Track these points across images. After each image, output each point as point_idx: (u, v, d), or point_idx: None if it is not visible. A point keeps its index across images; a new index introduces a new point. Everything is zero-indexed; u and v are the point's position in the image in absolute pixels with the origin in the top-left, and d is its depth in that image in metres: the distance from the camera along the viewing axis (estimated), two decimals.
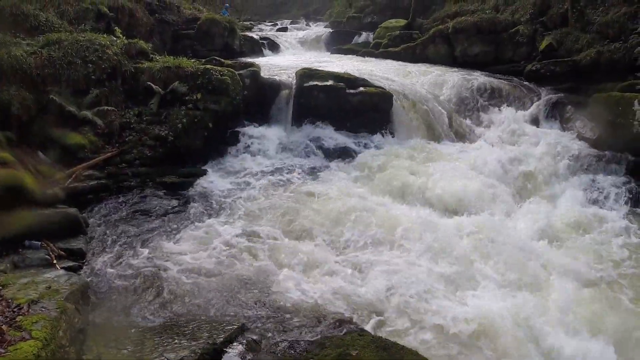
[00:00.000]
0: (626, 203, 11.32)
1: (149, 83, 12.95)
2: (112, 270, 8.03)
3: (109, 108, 12.07)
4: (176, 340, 6.28)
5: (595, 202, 11.45)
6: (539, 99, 15.95)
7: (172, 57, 14.39)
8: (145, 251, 8.58)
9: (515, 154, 13.06)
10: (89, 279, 7.68)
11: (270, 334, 6.66)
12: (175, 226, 9.61)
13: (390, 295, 7.63)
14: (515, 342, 6.73)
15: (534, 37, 19.26)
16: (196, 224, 9.69)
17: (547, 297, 7.90)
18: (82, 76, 11.92)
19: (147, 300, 7.34)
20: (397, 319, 7.24)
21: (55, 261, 7.60)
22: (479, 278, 8.21)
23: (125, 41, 13.92)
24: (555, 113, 15.16)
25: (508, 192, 11.62)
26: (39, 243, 7.88)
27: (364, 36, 29.45)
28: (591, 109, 13.95)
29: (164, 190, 11.02)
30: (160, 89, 12.90)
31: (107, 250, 8.60)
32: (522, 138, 14.02)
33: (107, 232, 9.17)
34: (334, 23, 36.36)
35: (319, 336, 6.59)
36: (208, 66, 13.97)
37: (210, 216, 10.06)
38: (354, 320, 7.12)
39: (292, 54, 26.93)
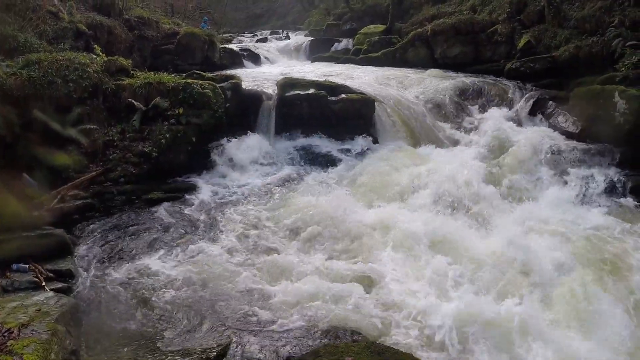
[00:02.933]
0: (611, 194, 11.41)
1: (131, 100, 12.92)
2: (101, 290, 8.01)
3: (92, 126, 12.04)
4: (169, 357, 6.29)
5: (579, 195, 11.50)
6: (520, 96, 16.03)
7: (152, 72, 14.42)
8: (134, 269, 8.56)
9: (496, 154, 13.13)
10: (79, 299, 7.65)
11: (263, 346, 6.67)
12: (161, 242, 9.57)
13: None
14: None
15: (512, 36, 19.41)
16: (182, 239, 9.68)
17: None
18: (63, 95, 11.86)
19: (138, 318, 7.33)
20: None
21: (44, 283, 7.57)
22: None
23: (105, 58, 13.91)
24: (536, 109, 15.19)
25: (492, 193, 11.66)
26: (27, 266, 7.85)
27: (343, 43, 29.49)
28: (572, 103, 14.03)
29: (150, 207, 10.98)
30: (142, 106, 12.89)
31: (95, 270, 8.54)
32: (504, 136, 14.04)
33: (95, 251, 9.13)
34: (313, 32, 36.47)
35: (314, 343, 6.62)
36: (189, 80, 13.98)
37: (195, 231, 10.05)
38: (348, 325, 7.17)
39: (273, 64, 26.95)
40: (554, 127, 14.08)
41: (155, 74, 14.09)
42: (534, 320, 7.13)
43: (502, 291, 7.96)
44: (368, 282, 8.27)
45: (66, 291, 7.65)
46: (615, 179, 11.59)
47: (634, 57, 13.44)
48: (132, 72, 14.41)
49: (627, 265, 8.55)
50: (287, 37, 31.64)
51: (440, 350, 6.80)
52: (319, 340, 6.79)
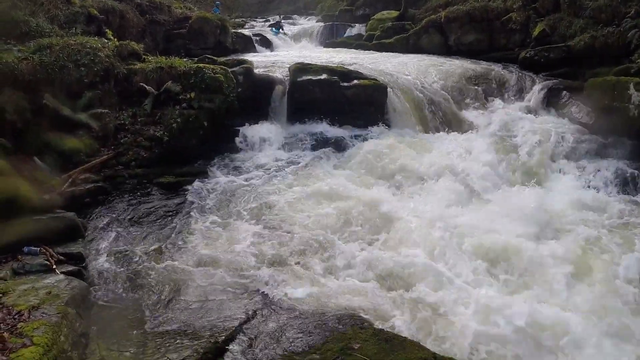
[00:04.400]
0: (624, 187, 11.32)
1: (142, 84, 12.93)
2: (112, 272, 8.04)
3: (103, 110, 12.03)
4: (178, 340, 6.31)
5: (593, 187, 11.43)
6: (534, 85, 15.90)
7: (164, 57, 14.39)
8: (145, 252, 8.59)
9: (510, 142, 13.07)
10: (89, 282, 7.68)
11: (272, 331, 6.67)
12: (173, 226, 9.59)
13: None
14: None
15: (527, 24, 19.26)
16: (194, 223, 9.68)
17: None
18: (74, 80, 11.87)
19: (147, 301, 7.34)
20: None
21: (54, 266, 7.56)
22: None
23: (117, 43, 13.90)
24: (550, 99, 15.12)
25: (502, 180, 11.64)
26: (38, 249, 7.85)
27: (356, 29, 29.38)
28: (586, 94, 13.92)
29: (161, 191, 11.00)
30: (153, 90, 12.88)
31: (106, 253, 8.57)
32: (517, 125, 13.95)
33: (106, 234, 9.16)
34: (325, 17, 36.28)
35: (321, 330, 6.61)
36: (201, 65, 13.92)
37: (207, 215, 10.02)
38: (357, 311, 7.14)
39: (285, 49, 26.86)
40: (567, 118, 14.01)
41: (167, 59, 14.07)
42: None
43: None
44: None
45: (77, 274, 7.61)
46: (628, 173, 11.51)
47: None
48: (143, 56, 14.39)
49: None
50: (279, 27, 30.04)
51: None
52: (327, 324, 6.78)
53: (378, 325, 6.72)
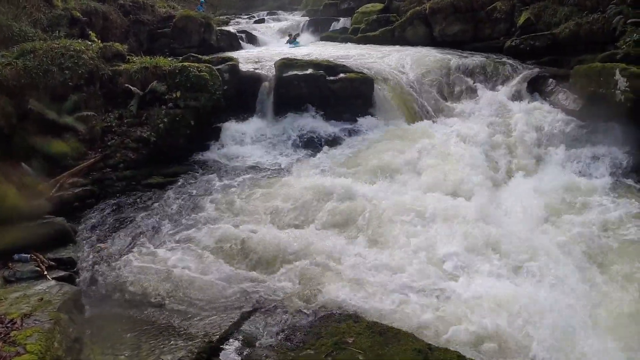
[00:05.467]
0: (613, 172, 11.39)
1: (127, 85, 12.86)
2: (103, 276, 8.03)
3: (89, 113, 11.97)
4: (172, 341, 6.31)
5: (581, 173, 11.51)
6: (520, 74, 15.92)
7: (148, 57, 14.31)
8: (136, 255, 8.57)
9: (498, 131, 13.12)
10: (81, 287, 7.69)
11: (265, 328, 6.69)
12: (162, 227, 9.57)
13: None
14: None
15: (512, 13, 19.23)
16: (183, 222, 9.68)
17: None
18: (59, 83, 11.78)
19: (140, 303, 7.35)
20: None
21: (45, 272, 7.55)
22: None
23: (101, 45, 13.82)
24: (537, 87, 15.15)
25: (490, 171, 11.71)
26: (28, 256, 7.84)
27: (341, 22, 29.25)
28: (573, 81, 13.95)
29: (150, 192, 10.98)
30: (138, 90, 12.83)
31: (97, 257, 8.55)
32: (505, 114, 14.00)
33: (96, 238, 9.13)
34: (310, 12, 36.10)
35: (315, 326, 6.63)
36: (185, 63, 13.90)
37: (196, 214, 10.01)
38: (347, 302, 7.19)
39: (270, 45, 26.75)
40: (555, 105, 14.04)
41: (151, 58, 14.00)
42: None
43: None
44: None
45: (68, 279, 7.64)
46: (617, 157, 11.59)
47: (635, 34, 13.25)
48: (128, 57, 14.33)
49: None
50: (295, 39, 28.07)
51: None
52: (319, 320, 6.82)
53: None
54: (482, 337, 6.50)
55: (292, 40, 25.51)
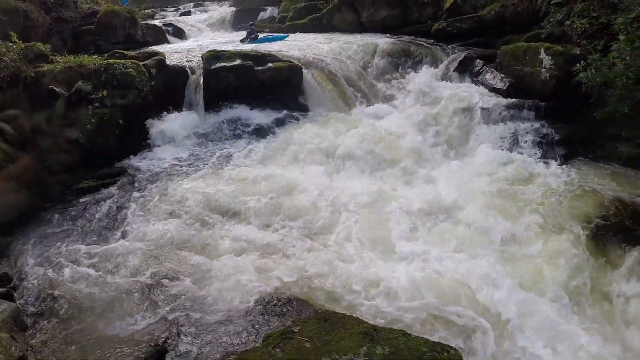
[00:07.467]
0: (539, 147, 11.87)
1: (52, 86, 12.62)
2: (41, 290, 7.90)
3: (16, 112, 11.72)
4: (118, 349, 6.36)
5: (510, 149, 11.95)
6: (448, 56, 16.28)
7: (72, 56, 14.06)
8: (72, 265, 8.48)
9: (428, 114, 13.44)
10: (20, 303, 7.53)
11: (208, 326, 6.83)
12: (96, 234, 9.53)
13: None
14: None
15: None
16: (116, 225, 9.69)
17: None
18: None
19: (81, 314, 7.29)
20: None
21: None
22: None
23: (22, 46, 13.47)
24: (465, 68, 15.51)
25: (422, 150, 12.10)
26: None
27: (269, 11, 29.30)
28: (500, 60, 14.41)
29: (83, 197, 10.83)
30: (63, 91, 12.63)
31: (34, 270, 8.40)
32: (434, 96, 14.30)
33: (31, 251, 8.97)
34: (237, 2, 35.88)
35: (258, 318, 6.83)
36: (111, 60, 13.73)
37: (128, 217, 9.98)
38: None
39: (198, 37, 26.56)
40: (483, 84, 14.42)
41: (75, 57, 13.77)
42: None
43: None
44: None
45: (5, 296, 7.47)
46: (543, 132, 12.05)
47: (558, 14, 13.73)
48: (51, 57, 14.05)
49: None
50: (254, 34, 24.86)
51: None
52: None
53: None
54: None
55: (253, 39, 21.58)
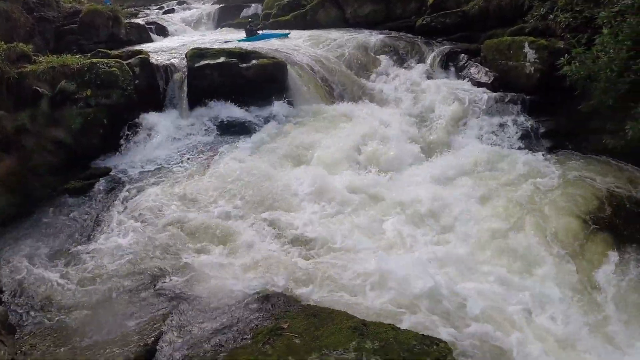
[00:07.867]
0: (524, 139, 11.96)
1: (35, 87, 12.49)
2: (29, 292, 7.84)
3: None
4: (108, 350, 6.32)
5: (495, 142, 12.05)
6: (433, 51, 16.35)
7: (55, 56, 13.94)
8: (60, 266, 8.46)
9: (413, 108, 13.49)
10: (7, 307, 7.47)
11: (197, 325, 6.82)
12: (84, 235, 9.48)
13: None
14: None
15: None
16: (103, 227, 9.60)
17: None
18: None
19: (70, 316, 7.25)
20: None
21: None
22: None
23: (4, 46, 13.33)
24: (449, 62, 15.64)
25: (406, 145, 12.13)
26: None
27: (252, 8, 29.15)
28: (484, 55, 14.54)
29: (70, 198, 10.77)
30: (47, 91, 12.49)
31: (21, 275, 8.30)
32: (419, 91, 14.36)
33: (19, 254, 8.87)
34: None
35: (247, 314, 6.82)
36: (94, 60, 13.64)
37: (114, 217, 9.90)
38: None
39: (181, 35, 26.43)
40: (467, 79, 14.53)
41: (58, 57, 13.64)
42: None
43: None
44: None
45: None
46: (528, 126, 12.15)
47: (542, 8, 13.85)
48: (34, 57, 13.92)
49: None
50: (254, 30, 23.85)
51: None
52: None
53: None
54: None
55: (252, 35, 21.03)
